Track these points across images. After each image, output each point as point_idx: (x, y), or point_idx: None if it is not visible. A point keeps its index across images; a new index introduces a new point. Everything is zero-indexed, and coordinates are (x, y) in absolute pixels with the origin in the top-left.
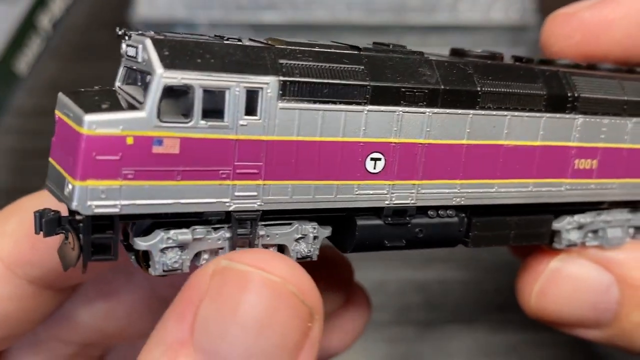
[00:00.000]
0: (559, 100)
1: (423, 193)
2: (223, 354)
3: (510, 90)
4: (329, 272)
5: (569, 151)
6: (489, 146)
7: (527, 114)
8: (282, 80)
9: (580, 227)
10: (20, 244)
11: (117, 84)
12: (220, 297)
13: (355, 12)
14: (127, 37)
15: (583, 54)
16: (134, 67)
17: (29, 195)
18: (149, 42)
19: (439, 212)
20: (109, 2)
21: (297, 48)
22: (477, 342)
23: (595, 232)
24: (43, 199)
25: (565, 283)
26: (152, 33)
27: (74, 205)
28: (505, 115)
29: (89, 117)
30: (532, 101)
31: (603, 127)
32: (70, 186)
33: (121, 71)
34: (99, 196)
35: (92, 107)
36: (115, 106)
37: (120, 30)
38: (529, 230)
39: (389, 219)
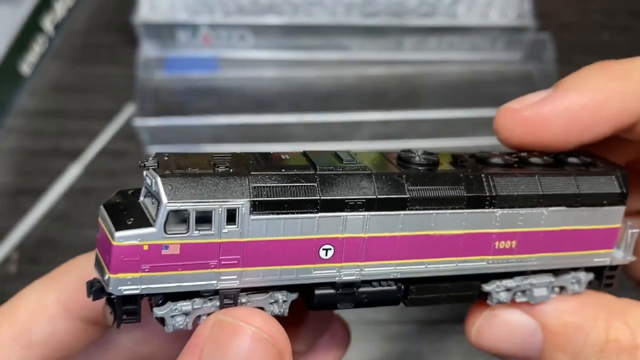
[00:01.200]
0: (478, 199)
1: (366, 271)
2: None
3: (435, 195)
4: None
5: (489, 236)
6: (419, 236)
7: (450, 211)
8: (253, 201)
9: (508, 289)
10: (78, 292)
11: (141, 198)
12: (217, 342)
13: (355, 15)
14: (146, 169)
15: (524, 144)
16: (151, 191)
17: (84, 255)
18: (159, 180)
19: (381, 282)
20: (111, 5)
21: (267, 173)
22: None
23: (523, 291)
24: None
25: (498, 326)
26: (153, 163)
27: (110, 289)
28: (431, 214)
29: (118, 234)
30: (454, 201)
31: (520, 216)
32: (107, 276)
33: (143, 190)
34: (126, 283)
35: (120, 223)
36: (137, 223)
37: (140, 162)
38: (459, 293)
39: (340, 289)
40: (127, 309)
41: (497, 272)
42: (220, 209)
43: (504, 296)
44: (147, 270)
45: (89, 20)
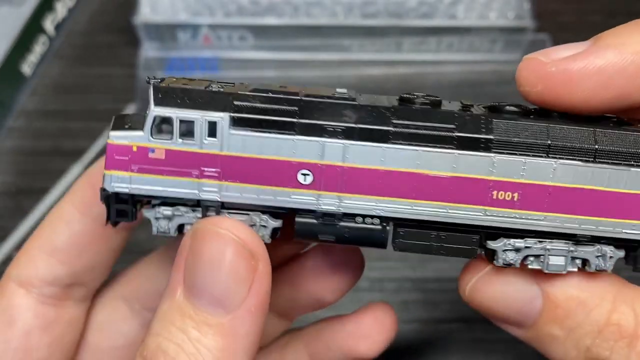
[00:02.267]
0: (471, 141)
1: (346, 203)
2: (198, 286)
3: (422, 131)
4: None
5: (486, 183)
6: (403, 173)
7: (437, 150)
8: (232, 116)
9: (517, 250)
10: (90, 197)
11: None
12: (194, 248)
13: (355, 15)
14: (150, 83)
15: (545, 102)
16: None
17: (96, 166)
18: (151, 89)
19: (365, 219)
20: (111, 5)
21: (253, 93)
22: (475, 339)
23: (537, 256)
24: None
25: (496, 285)
26: (158, 80)
27: (104, 185)
28: (417, 150)
29: (112, 133)
30: (442, 140)
31: (523, 165)
32: (103, 174)
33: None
34: (117, 181)
35: (119, 127)
36: (133, 127)
37: (147, 78)
38: (454, 246)
39: (321, 219)
40: (120, 206)
41: (496, 225)
42: (201, 120)
43: (511, 256)
44: (135, 170)
45: (90, 20)
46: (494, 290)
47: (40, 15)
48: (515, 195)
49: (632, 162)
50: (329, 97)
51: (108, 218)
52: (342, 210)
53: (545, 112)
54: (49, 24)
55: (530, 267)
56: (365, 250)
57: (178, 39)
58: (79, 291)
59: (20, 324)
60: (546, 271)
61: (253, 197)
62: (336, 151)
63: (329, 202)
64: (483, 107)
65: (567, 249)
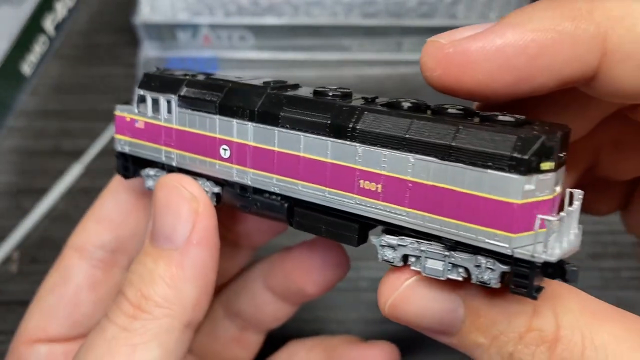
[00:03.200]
0: (339, 129)
1: (252, 178)
2: (156, 228)
3: (301, 117)
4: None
5: (353, 171)
6: (291, 155)
7: (314, 136)
8: (179, 95)
9: (393, 247)
10: None
11: None
12: (153, 200)
13: (355, 15)
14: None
15: (446, 88)
16: None
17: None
18: (142, 76)
19: (271, 195)
20: (111, 5)
21: (200, 80)
22: None
23: (419, 258)
24: None
25: (416, 300)
26: (160, 70)
27: (115, 145)
28: (299, 135)
29: (117, 107)
30: (318, 127)
31: (383, 157)
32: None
33: None
34: (121, 143)
35: (126, 104)
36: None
37: (157, 68)
38: (336, 230)
39: (238, 191)
40: (123, 163)
41: (365, 215)
42: (162, 99)
43: (389, 254)
44: (130, 136)
45: (90, 20)
46: (414, 305)
47: (40, 15)
48: (379, 186)
49: (490, 164)
50: (249, 86)
51: (118, 170)
52: (249, 183)
53: (465, 113)
54: (48, 24)
55: (412, 268)
56: (364, 250)
57: (178, 39)
58: (122, 259)
59: (72, 282)
60: (424, 274)
61: (195, 164)
62: (244, 131)
63: (241, 175)
64: (385, 102)
65: (442, 253)
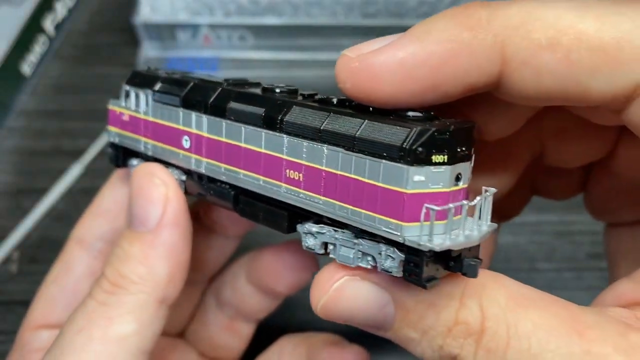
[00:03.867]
0: (271, 121)
1: (206, 167)
2: (132, 214)
3: (244, 109)
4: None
5: (281, 161)
6: (234, 145)
7: (252, 127)
8: (153, 90)
9: (313, 235)
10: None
11: None
12: (129, 185)
13: (355, 15)
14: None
15: (360, 99)
16: None
17: None
18: (130, 73)
19: (222, 184)
20: (111, 5)
21: (172, 78)
22: None
23: (335, 246)
24: None
25: (345, 302)
26: (147, 69)
27: (108, 137)
28: (240, 127)
29: (111, 101)
30: (254, 119)
31: (304, 147)
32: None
33: None
34: (112, 134)
35: (117, 99)
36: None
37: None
38: (271, 218)
39: (196, 179)
40: (113, 152)
41: (291, 203)
42: (142, 94)
43: (310, 242)
44: (119, 127)
45: (90, 20)
46: (344, 306)
47: (39, 15)
48: (300, 175)
49: (385, 154)
50: (211, 82)
51: (110, 159)
52: (204, 172)
53: (384, 110)
54: (48, 24)
55: (331, 255)
56: None
57: (178, 39)
58: None
59: (73, 273)
60: (338, 262)
61: (163, 153)
62: (199, 122)
63: (197, 164)
64: (319, 98)
65: (351, 240)
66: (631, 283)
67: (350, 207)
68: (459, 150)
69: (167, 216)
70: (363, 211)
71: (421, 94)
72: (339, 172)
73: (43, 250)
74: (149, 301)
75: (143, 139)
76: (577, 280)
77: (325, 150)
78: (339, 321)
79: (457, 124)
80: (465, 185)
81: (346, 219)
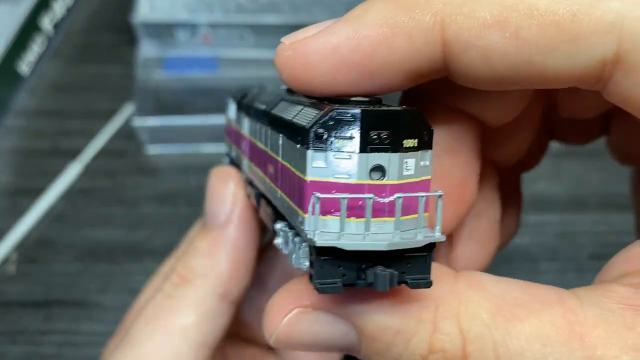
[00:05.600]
0: (261, 115)
1: (247, 168)
2: (205, 211)
3: (258, 109)
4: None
5: (265, 154)
6: (251, 141)
7: (260, 124)
8: (237, 101)
9: (277, 232)
10: None
11: None
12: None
13: None
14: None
15: (298, 89)
16: None
17: None
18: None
19: (254, 187)
20: (110, 4)
21: (253, 90)
22: None
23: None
24: None
25: (299, 335)
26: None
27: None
28: (257, 125)
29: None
30: (259, 115)
31: (274, 140)
32: None
33: None
34: (226, 142)
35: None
36: None
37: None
38: (267, 217)
39: (247, 181)
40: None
41: (267, 196)
42: (232, 105)
43: (278, 241)
44: (227, 135)
45: (88, 19)
46: (299, 339)
47: (37, 14)
48: (272, 169)
49: (299, 138)
50: (267, 92)
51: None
52: (247, 173)
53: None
54: (47, 23)
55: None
56: None
57: (177, 38)
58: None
59: None
60: (294, 266)
61: (237, 158)
62: (245, 124)
63: (246, 165)
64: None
65: (291, 237)
66: None
67: (287, 199)
68: (375, 137)
69: (233, 214)
70: (291, 203)
71: (359, 83)
72: (283, 162)
73: (42, 251)
74: (210, 294)
75: (233, 145)
76: (579, 281)
77: (280, 140)
78: (294, 350)
79: (382, 107)
80: (398, 182)
81: (285, 213)
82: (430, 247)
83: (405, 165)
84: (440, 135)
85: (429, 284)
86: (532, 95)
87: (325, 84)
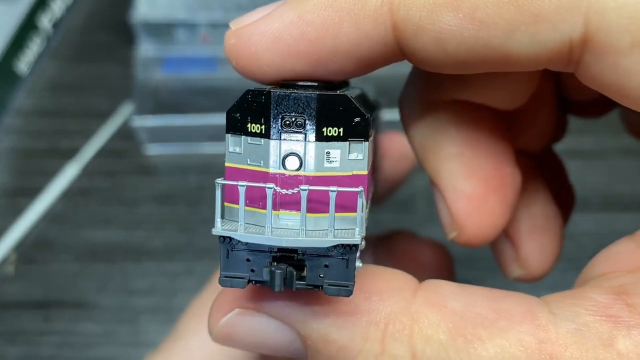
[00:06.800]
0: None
1: None
2: None
3: None
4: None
5: None
6: None
7: None
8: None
9: None
10: None
11: None
12: None
13: None
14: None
15: (247, 77)
16: None
17: None
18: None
19: None
20: (108, 3)
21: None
22: None
23: None
24: None
25: (240, 337)
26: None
27: None
28: None
29: None
30: None
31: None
32: None
33: None
34: None
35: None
36: None
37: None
38: None
39: None
40: None
41: None
42: None
43: None
44: None
45: (87, 19)
46: (240, 340)
47: (35, 14)
48: None
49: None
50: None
51: None
52: None
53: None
54: (45, 22)
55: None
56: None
57: (176, 37)
58: None
59: None
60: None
61: None
62: None
63: None
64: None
65: None
66: (632, 243)
67: None
68: (289, 123)
69: None
70: None
71: (309, 72)
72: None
73: (40, 251)
74: None
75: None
76: None
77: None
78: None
79: (314, 92)
80: (317, 174)
81: None
82: (353, 251)
83: (327, 157)
84: (456, 131)
85: (349, 293)
86: (541, 74)
87: (274, 74)
